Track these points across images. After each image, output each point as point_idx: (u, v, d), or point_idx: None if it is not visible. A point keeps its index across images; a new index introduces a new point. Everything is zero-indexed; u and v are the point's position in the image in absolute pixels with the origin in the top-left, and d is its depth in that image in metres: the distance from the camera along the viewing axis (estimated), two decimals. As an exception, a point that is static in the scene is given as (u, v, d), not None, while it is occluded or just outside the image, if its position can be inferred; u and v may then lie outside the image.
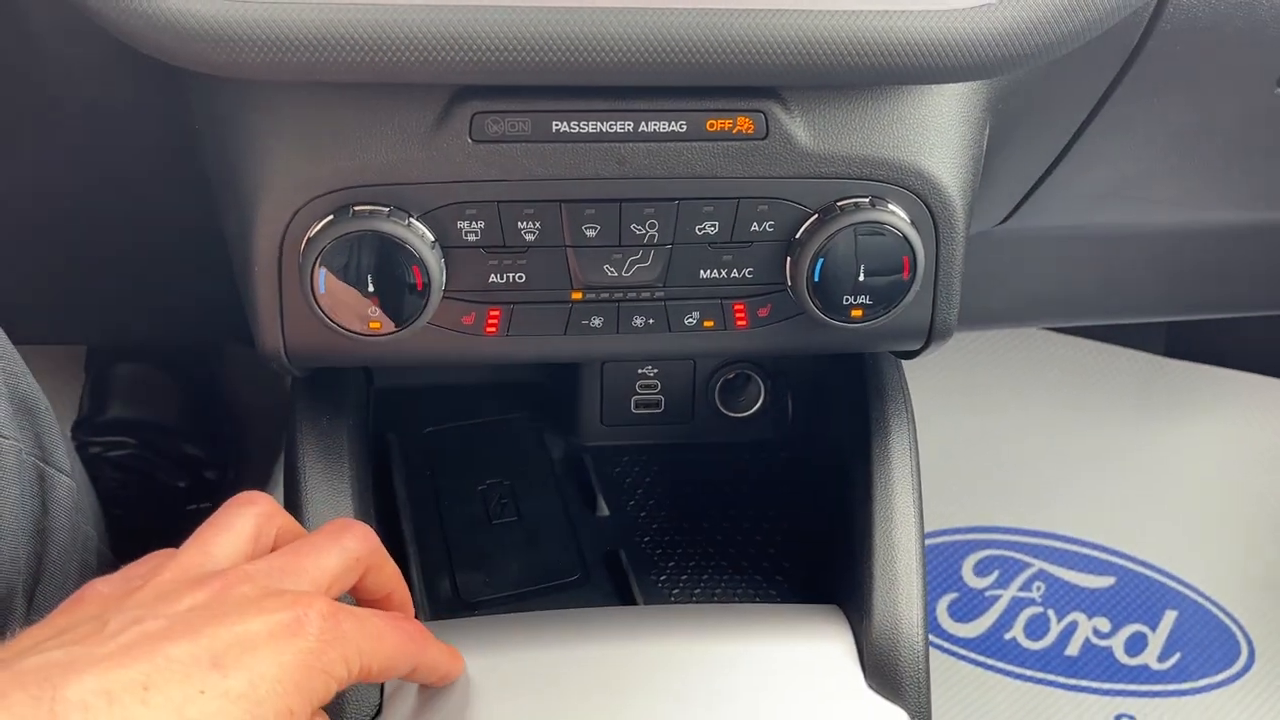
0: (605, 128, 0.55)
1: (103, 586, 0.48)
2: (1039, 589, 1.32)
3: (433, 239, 0.56)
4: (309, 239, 0.55)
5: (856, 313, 0.59)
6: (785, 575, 0.73)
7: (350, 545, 0.51)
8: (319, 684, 0.45)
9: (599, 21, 0.49)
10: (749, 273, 0.59)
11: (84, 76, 0.61)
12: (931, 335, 0.62)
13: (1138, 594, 1.33)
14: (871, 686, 0.60)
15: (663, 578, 0.73)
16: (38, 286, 0.84)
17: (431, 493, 0.77)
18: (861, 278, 0.58)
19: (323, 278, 0.55)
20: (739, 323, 0.61)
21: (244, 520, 0.50)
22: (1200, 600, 1.32)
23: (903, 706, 0.59)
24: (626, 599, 0.72)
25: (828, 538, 0.71)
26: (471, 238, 0.56)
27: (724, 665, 0.59)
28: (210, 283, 0.81)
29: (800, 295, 0.58)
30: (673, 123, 0.55)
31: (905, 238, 0.57)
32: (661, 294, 0.60)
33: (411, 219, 0.55)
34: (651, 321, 0.60)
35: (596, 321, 0.60)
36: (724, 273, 0.59)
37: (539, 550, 0.75)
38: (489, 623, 0.64)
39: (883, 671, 0.60)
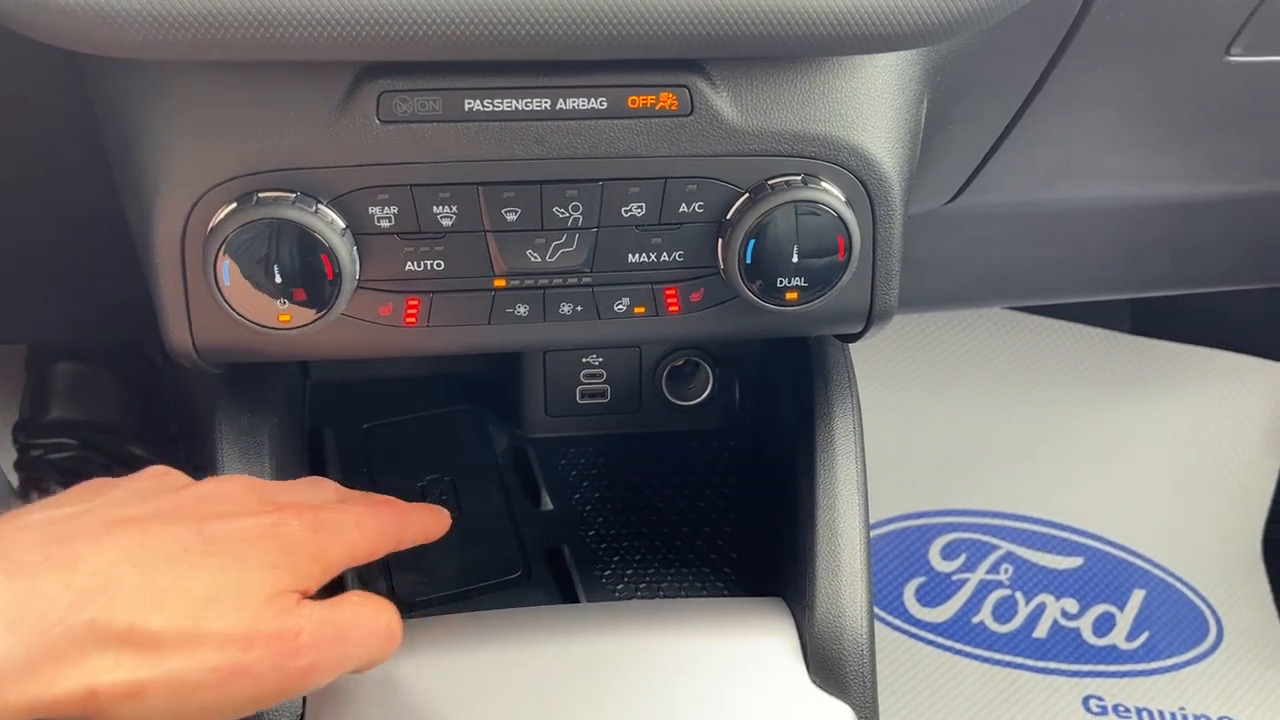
0: (521, 105, 0.52)
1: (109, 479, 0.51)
2: (1007, 571, 1.31)
3: (343, 226, 0.53)
4: (211, 228, 0.52)
5: (791, 295, 0.56)
6: (733, 567, 0.71)
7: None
8: (305, 565, 0.48)
9: None
10: (679, 256, 0.57)
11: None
12: (871, 317, 0.60)
13: (1106, 574, 1.31)
14: (815, 681, 0.58)
15: (607, 573, 0.71)
16: None
17: (369, 489, 0.75)
18: (796, 259, 0.55)
19: (226, 269, 0.52)
20: (671, 308, 0.58)
21: (239, 479, 0.53)
22: (1168, 579, 1.31)
23: (847, 701, 0.57)
24: (569, 596, 0.69)
25: (775, 528, 0.69)
26: (385, 224, 0.54)
27: (665, 663, 0.57)
28: (144, 277, 0.78)
29: (733, 278, 0.56)
30: (592, 100, 0.52)
31: (840, 216, 0.55)
32: (589, 279, 0.57)
33: (320, 205, 0.52)
34: (579, 309, 0.58)
35: (522, 310, 0.57)
36: (653, 256, 0.57)
37: (479, 547, 0.72)
38: (424, 624, 0.62)
39: (826, 665, 0.58)
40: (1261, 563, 1.31)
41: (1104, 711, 1.20)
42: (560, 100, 0.52)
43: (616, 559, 0.72)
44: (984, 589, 1.30)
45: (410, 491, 0.75)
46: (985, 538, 1.33)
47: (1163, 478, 1.36)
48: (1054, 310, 1.43)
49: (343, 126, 0.51)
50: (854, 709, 0.57)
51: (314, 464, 0.75)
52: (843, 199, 0.55)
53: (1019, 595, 1.29)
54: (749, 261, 0.55)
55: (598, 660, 0.58)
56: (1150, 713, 1.20)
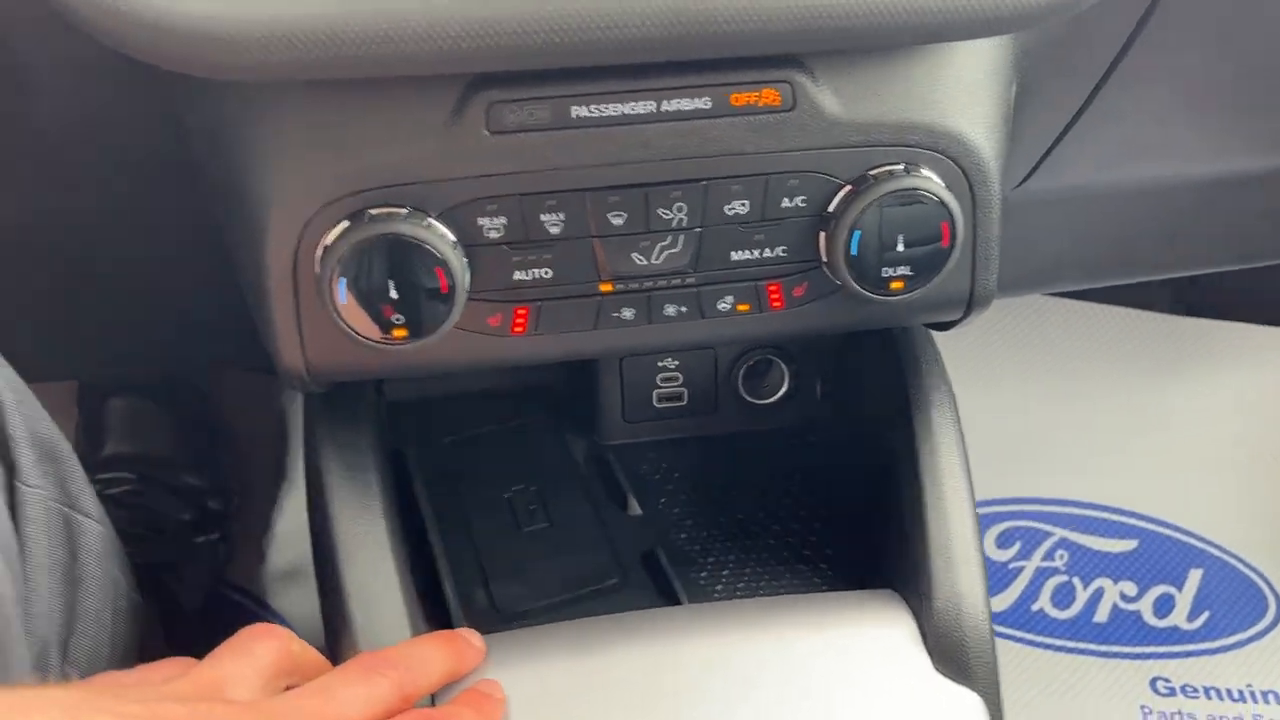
0: (627, 110, 0.52)
1: (123, 677, 0.49)
2: (1062, 557, 1.30)
3: (454, 239, 0.53)
4: (325, 247, 0.52)
5: (897, 285, 0.56)
6: (829, 562, 0.71)
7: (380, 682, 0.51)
8: None
9: None
10: (782, 251, 0.57)
11: (66, 100, 0.58)
12: (972, 303, 0.60)
13: (1161, 555, 1.31)
14: (939, 670, 0.58)
15: (704, 574, 0.71)
16: (26, 322, 0.82)
17: (456, 505, 0.75)
18: (900, 248, 0.55)
19: (342, 287, 0.52)
20: (774, 304, 0.58)
21: (264, 648, 0.50)
22: (1224, 557, 1.31)
23: (972, 688, 0.57)
24: (670, 599, 0.69)
25: (871, 520, 0.69)
26: (494, 234, 0.54)
27: (786, 660, 0.57)
28: (195, 306, 0.78)
29: (838, 271, 0.56)
30: (696, 100, 0.53)
31: (943, 203, 0.55)
32: (693, 280, 0.57)
33: (430, 219, 0.52)
34: (684, 310, 0.58)
35: (628, 313, 0.57)
36: (756, 253, 0.57)
37: (574, 555, 0.72)
38: (531, 634, 0.62)
39: (949, 654, 0.58)
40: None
41: (1172, 693, 1.20)
42: (664, 102, 0.52)
43: (711, 560, 0.72)
44: (1041, 576, 1.29)
45: (498, 504, 0.75)
46: (1038, 524, 1.33)
47: (1211, 456, 1.36)
48: (1091, 294, 1.43)
49: (453, 139, 0.51)
50: (980, 695, 0.57)
51: (399, 483, 0.75)
52: (944, 185, 0.55)
53: (1076, 581, 1.29)
54: (854, 254, 0.55)
55: (717, 661, 0.58)
56: (1217, 691, 1.20)
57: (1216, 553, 1.31)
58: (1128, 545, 1.32)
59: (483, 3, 0.46)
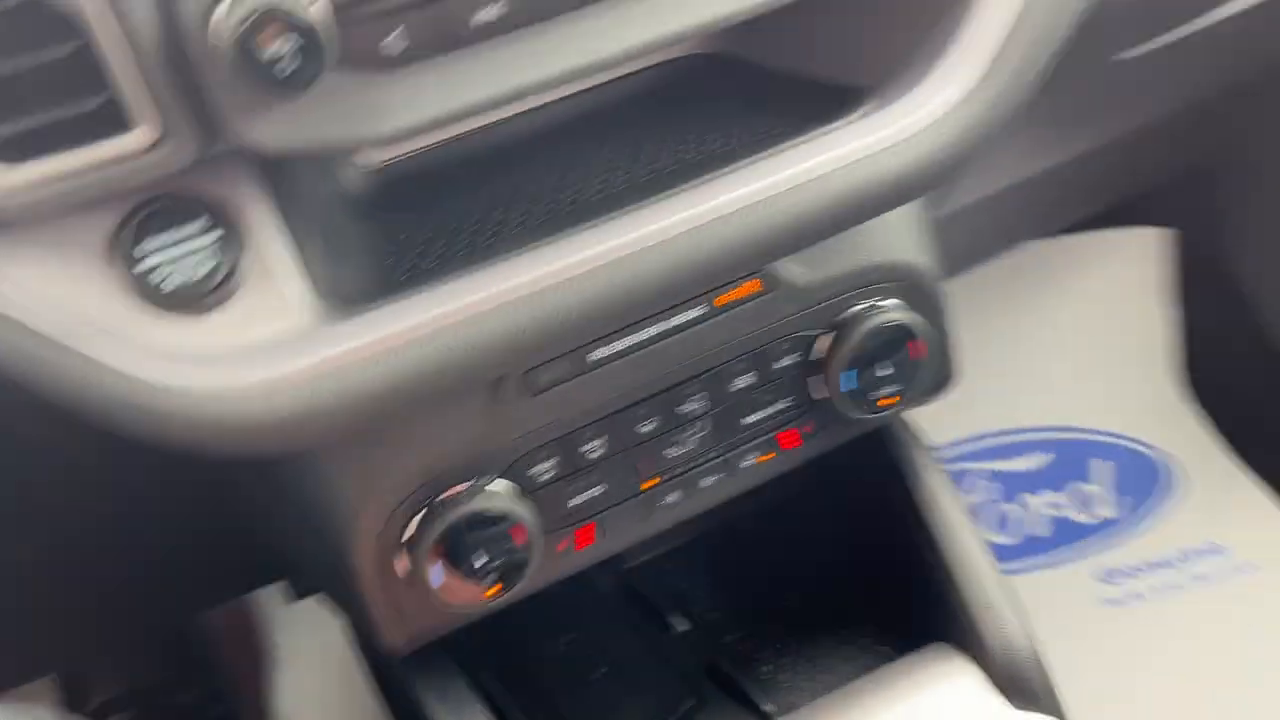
0: (637, 339, 0.58)
1: None
2: (987, 488, 1.43)
3: (518, 491, 0.58)
4: (409, 541, 0.56)
5: (888, 401, 0.64)
6: (872, 621, 0.78)
7: None
8: None
9: (619, 275, 0.51)
10: (787, 403, 0.64)
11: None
12: (945, 387, 0.69)
13: (1068, 458, 1.46)
14: (1015, 705, 0.67)
15: (767, 668, 0.78)
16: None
17: (519, 672, 0.79)
18: (885, 373, 0.63)
19: (437, 572, 0.56)
20: (788, 446, 0.66)
21: None
22: (1123, 442, 1.46)
23: (1042, 711, 0.66)
24: (749, 705, 0.76)
25: (892, 570, 0.76)
26: (548, 476, 0.59)
27: None
28: (166, 559, 0.79)
29: (838, 405, 0.63)
30: (692, 310, 0.59)
31: (912, 325, 0.63)
32: (717, 451, 0.64)
33: (493, 483, 0.57)
34: (719, 478, 0.64)
35: (672, 498, 0.64)
36: (766, 412, 0.64)
37: (644, 691, 0.77)
38: None
39: (1015, 689, 0.67)
40: (1184, 401, 1.48)
41: (1120, 578, 1.34)
42: (664, 323, 0.58)
43: (767, 652, 0.78)
44: (978, 511, 1.42)
45: (555, 660, 0.79)
46: (958, 465, 1.46)
47: (1084, 357, 1.51)
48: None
49: (501, 412, 0.56)
50: (1051, 715, 0.66)
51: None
52: (908, 307, 0.63)
53: (1005, 506, 1.42)
54: (850, 388, 0.63)
55: None
56: (1157, 564, 1.35)
57: (1115, 441, 1.46)
58: (1040, 459, 1.45)
59: (512, 319, 0.50)
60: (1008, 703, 0.66)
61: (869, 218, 0.58)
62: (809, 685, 0.76)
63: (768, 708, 0.74)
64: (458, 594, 0.57)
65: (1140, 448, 1.47)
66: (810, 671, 0.77)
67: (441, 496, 0.56)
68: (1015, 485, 1.44)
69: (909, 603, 0.75)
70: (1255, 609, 1.28)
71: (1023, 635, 0.68)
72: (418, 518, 0.56)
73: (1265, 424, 1.41)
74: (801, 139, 0.54)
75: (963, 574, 0.70)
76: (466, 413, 0.56)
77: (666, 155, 0.56)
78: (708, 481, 0.64)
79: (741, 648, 0.80)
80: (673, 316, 0.59)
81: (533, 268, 0.50)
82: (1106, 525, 1.39)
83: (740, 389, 0.62)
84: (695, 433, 0.62)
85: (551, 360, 0.56)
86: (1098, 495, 1.42)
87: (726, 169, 0.53)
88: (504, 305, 0.50)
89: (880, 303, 0.63)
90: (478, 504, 0.56)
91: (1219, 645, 1.26)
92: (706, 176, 0.53)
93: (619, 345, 0.58)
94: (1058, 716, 0.66)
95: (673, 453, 0.62)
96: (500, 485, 0.57)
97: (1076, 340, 1.52)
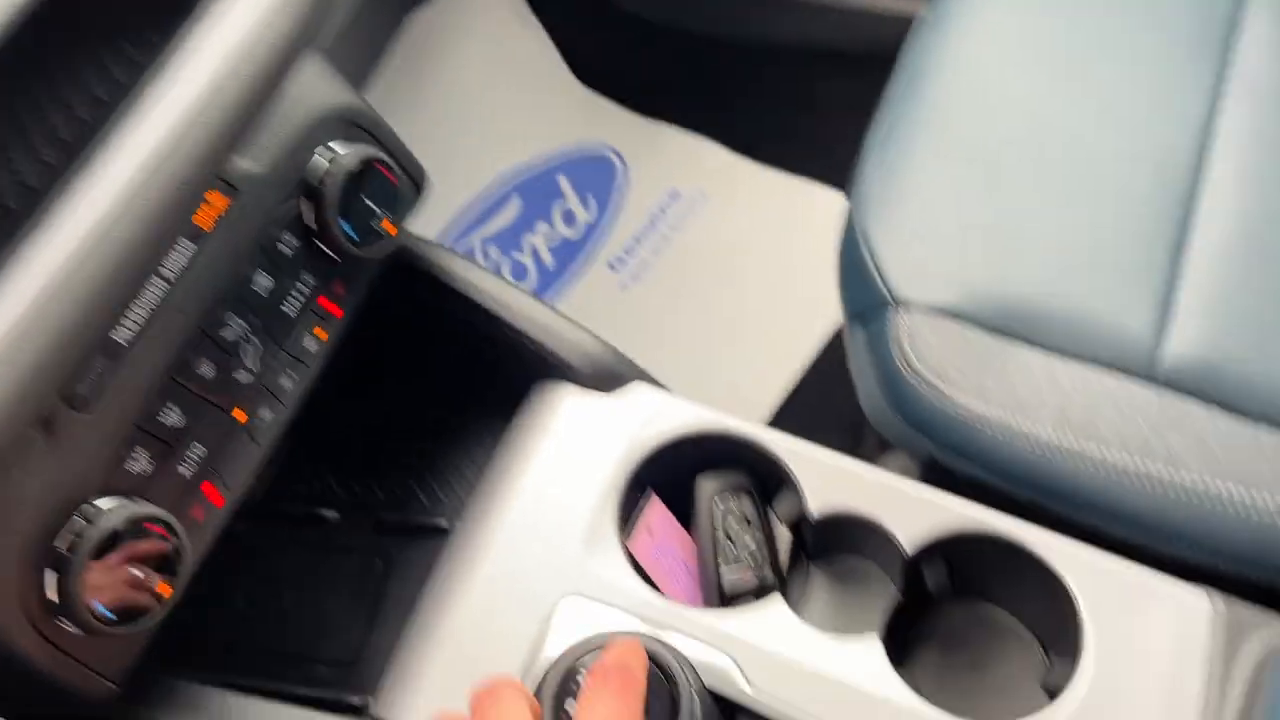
0: (150, 303, 0.58)
1: None
2: (492, 249, 1.54)
3: (128, 494, 0.58)
4: (61, 600, 0.55)
5: (387, 225, 0.69)
6: (481, 402, 0.84)
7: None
8: None
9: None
10: (310, 276, 0.68)
11: None
12: (422, 186, 0.75)
13: (537, 191, 1.59)
14: None
15: (422, 497, 0.84)
16: None
17: (223, 649, 0.79)
18: (371, 203, 0.68)
19: (100, 607, 0.55)
20: (336, 311, 0.69)
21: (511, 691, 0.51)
22: (567, 155, 1.61)
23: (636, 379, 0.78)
24: (426, 531, 0.81)
25: (478, 353, 0.82)
26: (146, 466, 0.59)
27: None
28: None
29: (353, 253, 0.68)
30: (179, 249, 0.59)
31: (367, 156, 0.67)
32: (278, 352, 0.66)
33: (100, 501, 0.56)
34: (294, 372, 0.68)
35: (265, 414, 0.66)
36: (299, 295, 0.67)
37: (339, 586, 0.81)
38: None
39: (610, 382, 0.78)
40: (589, 92, 1.64)
41: (625, 260, 1.52)
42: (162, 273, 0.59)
43: (414, 486, 0.84)
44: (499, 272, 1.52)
45: (244, 618, 0.80)
46: (462, 245, 1.55)
47: (499, 98, 1.62)
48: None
49: (64, 440, 0.55)
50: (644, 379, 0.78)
51: None
52: (353, 141, 0.67)
53: (515, 256, 1.55)
54: (351, 234, 0.67)
55: None
56: (642, 233, 1.54)
57: (556, 161, 1.61)
58: (514, 208, 1.58)
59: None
60: (606, 394, 0.77)
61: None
62: (458, 481, 0.83)
63: (440, 523, 0.80)
64: (132, 614, 0.57)
65: (582, 151, 1.62)
66: (457, 470, 0.83)
67: (57, 545, 0.55)
68: (510, 236, 1.56)
69: (505, 367, 0.82)
70: (724, 221, 1.52)
71: (590, 338, 0.78)
72: (50, 576, 0.55)
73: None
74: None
75: (520, 319, 0.78)
76: (32, 468, 0.54)
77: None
78: (288, 382, 0.67)
79: (390, 498, 0.84)
80: (164, 265, 0.59)
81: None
82: (592, 227, 1.56)
83: (265, 287, 0.64)
84: (250, 346, 0.64)
85: (82, 368, 0.55)
86: (574, 208, 1.57)
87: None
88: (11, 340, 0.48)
89: (333, 150, 0.66)
90: (100, 530, 0.55)
91: (719, 262, 1.49)
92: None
93: (136, 316, 0.57)
94: (648, 380, 0.78)
95: (243, 376, 0.64)
96: (107, 502, 0.57)
97: (484, 94, 1.63)
